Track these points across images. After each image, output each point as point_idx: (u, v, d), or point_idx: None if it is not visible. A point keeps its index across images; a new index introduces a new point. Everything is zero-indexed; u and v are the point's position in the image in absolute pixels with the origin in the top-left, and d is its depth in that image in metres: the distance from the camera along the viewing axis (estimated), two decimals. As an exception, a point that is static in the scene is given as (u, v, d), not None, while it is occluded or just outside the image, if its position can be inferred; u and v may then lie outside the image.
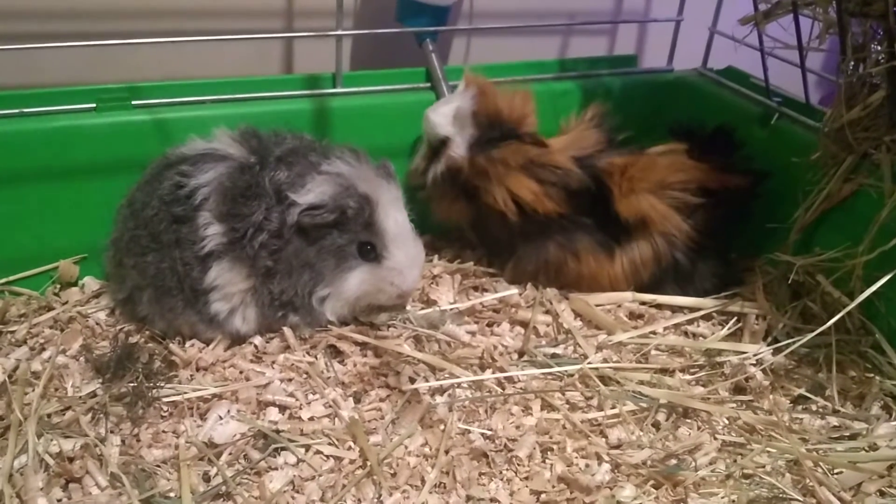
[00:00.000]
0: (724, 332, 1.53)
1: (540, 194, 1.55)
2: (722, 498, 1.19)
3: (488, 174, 1.57)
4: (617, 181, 1.55)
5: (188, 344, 1.44)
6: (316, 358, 1.43)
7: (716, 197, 1.55)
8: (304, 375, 1.39)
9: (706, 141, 1.61)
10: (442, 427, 1.30)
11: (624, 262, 1.58)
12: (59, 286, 1.59)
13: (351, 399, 1.35)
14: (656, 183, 1.55)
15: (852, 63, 1.47)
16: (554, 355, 1.47)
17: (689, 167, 1.56)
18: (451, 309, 1.56)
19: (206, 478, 1.20)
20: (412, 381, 1.37)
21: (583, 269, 1.59)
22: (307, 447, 1.25)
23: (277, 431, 1.27)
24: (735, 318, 1.55)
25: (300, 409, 1.32)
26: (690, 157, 1.58)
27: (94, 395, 1.33)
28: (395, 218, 1.43)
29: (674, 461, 1.25)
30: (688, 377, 1.44)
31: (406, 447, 1.27)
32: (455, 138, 1.59)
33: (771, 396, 1.39)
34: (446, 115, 1.60)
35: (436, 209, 1.68)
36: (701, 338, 1.54)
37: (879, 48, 1.44)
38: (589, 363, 1.43)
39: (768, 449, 1.27)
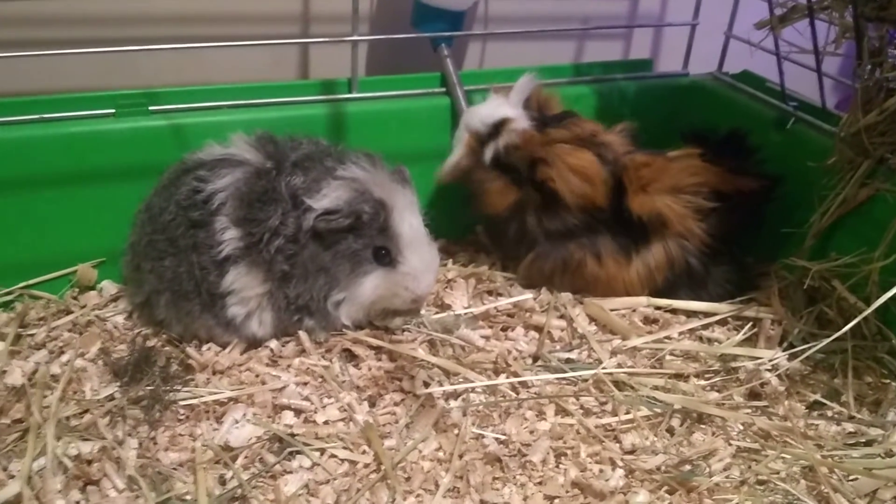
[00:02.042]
0: (740, 337, 1.52)
1: (600, 170, 1.55)
2: (736, 504, 1.19)
3: (552, 148, 1.56)
4: (632, 177, 1.55)
5: (205, 348, 1.45)
6: (331, 362, 1.44)
7: (729, 201, 1.55)
8: (320, 379, 1.40)
9: (719, 145, 1.61)
10: (456, 431, 1.30)
11: (639, 267, 1.58)
12: (77, 290, 1.61)
13: (366, 403, 1.36)
14: (671, 187, 1.55)
15: (868, 67, 1.47)
16: (568, 360, 1.47)
17: (703, 171, 1.56)
18: (466, 313, 1.56)
19: (222, 481, 1.21)
20: (426, 385, 1.38)
21: (601, 271, 1.59)
22: (322, 451, 1.26)
23: (293, 435, 1.28)
24: (750, 323, 1.55)
25: (315, 412, 1.33)
26: (703, 161, 1.57)
27: (111, 398, 1.34)
28: (410, 223, 1.43)
29: (688, 467, 1.25)
30: (702, 382, 1.44)
31: (420, 451, 1.27)
32: (515, 117, 1.58)
33: (786, 402, 1.38)
34: (497, 104, 1.61)
35: (486, 195, 1.63)
36: (716, 343, 1.53)
37: (896, 52, 1.43)
38: (603, 368, 1.43)
39: (783, 455, 1.27)
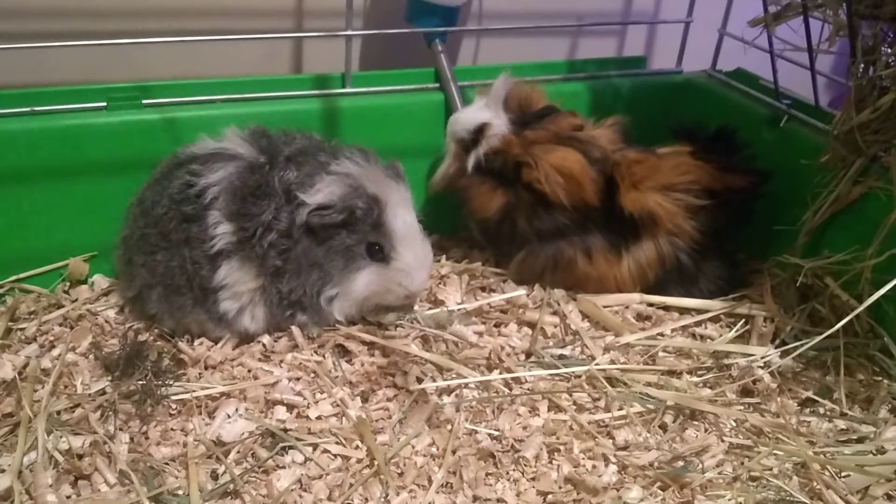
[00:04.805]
0: (732, 334, 1.53)
1: (585, 168, 1.54)
2: (729, 500, 1.19)
3: (533, 149, 1.55)
4: (623, 174, 1.55)
5: (197, 342, 1.45)
6: (324, 357, 1.43)
7: (719, 198, 1.55)
8: (312, 374, 1.40)
9: (709, 142, 1.61)
10: (449, 427, 1.30)
11: (630, 264, 1.58)
12: (68, 284, 1.60)
13: (358, 398, 1.36)
14: (663, 185, 1.55)
15: (862, 65, 1.47)
16: (561, 356, 1.47)
17: (694, 169, 1.56)
18: (459, 309, 1.56)
19: (214, 476, 1.21)
20: (419, 381, 1.38)
21: (592, 269, 1.59)
22: (315, 446, 1.26)
23: (285, 430, 1.27)
24: (743, 320, 1.55)
25: (308, 408, 1.33)
26: (694, 159, 1.58)
27: (103, 392, 1.33)
28: (403, 218, 1.43)
29: (681, 463, 1.25)
30: (695, 379, 1.44)
31: (413, 447, 1.27)
32: (493, 121, 1.58)
33: (778, 399, 1.39)
34: (478, 108, 1.60)
35: (473, 199, 1.63)
36: (708, 340, 1.54)
37: (890, 51, 1.44)
38: (596, 364, 1.43)
39: (775, 451, 1.27)
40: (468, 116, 1.60)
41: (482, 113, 1.59)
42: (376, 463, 1.22)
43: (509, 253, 1.67)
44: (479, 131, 1.58)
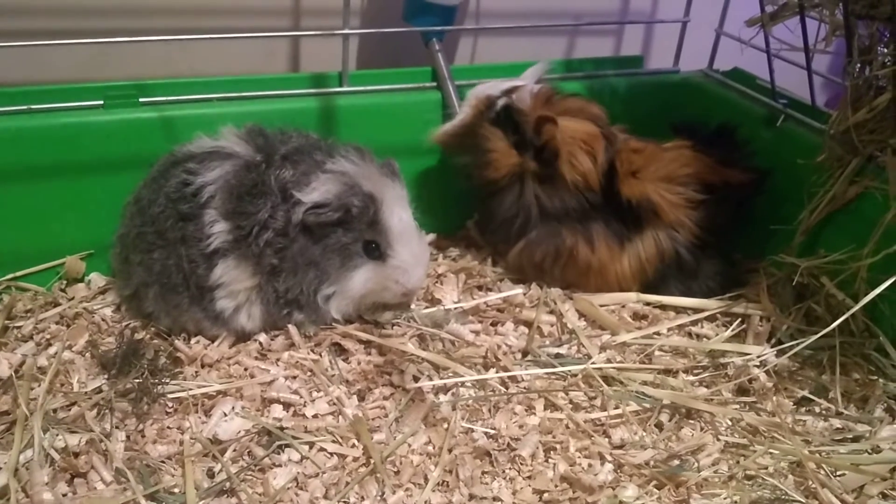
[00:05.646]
0: (728, 333, 1.53)
1: (601, 139, 1.56)
2: (724, 499, 1.19)
3: (557, 110, 1.58)
4: (623, 162, 1.56)
5: (193, 341, 1.45)
6: (320, 356, 1.43)
7: (719, 194, 1.56)
8: (309, 373, 1.40)
9: (709, 138, 1.62)
10: (445, 426, 1.30)
11: (631, 258, 1.59)
12: (65, 282, 1.60)
13: (355, 397, 1.36)
14: (663, 176, 1.56)
15: (858, 65, 1.47)
16: (558, 355, 1.47)
17: (693, 162, 1.57)
18: (456, 308, 1.56)
19: (211, 474, 1.21)
20: (416, 379, 1.38)
21: (594, 258, 1.59)
22: (311, 444, 1.26)
23: (281, 428, 1.27)
24: (739, 319, 1.55)
25: (304, 406, 1.33)
26: (694, 153, 1.58)
27: (99, 390, 1.33)
28: (399, 216, 1.43)
29: (676, 462, 1.25)
30: (691, 378, 1.44)
31: (409, 445, 1.27)
32: (527, 84, 1.62)
33: (774, 398, 1.39)
34: (510, 81, 1.65)
35: (489, 153, 1.61)
36: (705, 339, 1.54)
37: (886, 50, 1.44)
38: (592, 363, 1.43)
39: (771, 450, 1.27)
40: (498, 83, 1.64)
41: (517, 80, 1.64)
42: (372, 461, 1.22)
43: (507, 240, 1.66)
44: (509, 92, 1.62)
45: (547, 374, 1.42)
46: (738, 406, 1.38)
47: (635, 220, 1.57)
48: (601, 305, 1.59)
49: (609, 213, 1.58)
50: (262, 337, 1.45)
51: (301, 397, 1.34)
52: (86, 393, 1.32)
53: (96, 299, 1.57)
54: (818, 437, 1.31)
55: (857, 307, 1.37)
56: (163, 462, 1.22)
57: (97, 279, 1.61)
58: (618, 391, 1.38)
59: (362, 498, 1.18)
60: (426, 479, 1.21)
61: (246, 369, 1.40)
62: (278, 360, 1.42)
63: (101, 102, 1.56)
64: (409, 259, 1.44)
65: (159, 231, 1.40)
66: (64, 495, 1.16)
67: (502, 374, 1.41)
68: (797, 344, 1.40)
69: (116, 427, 1.26)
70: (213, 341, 1.45)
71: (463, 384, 1.39)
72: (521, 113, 1.59)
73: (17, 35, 1.66)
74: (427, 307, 1.57)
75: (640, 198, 1.54)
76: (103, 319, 1.51)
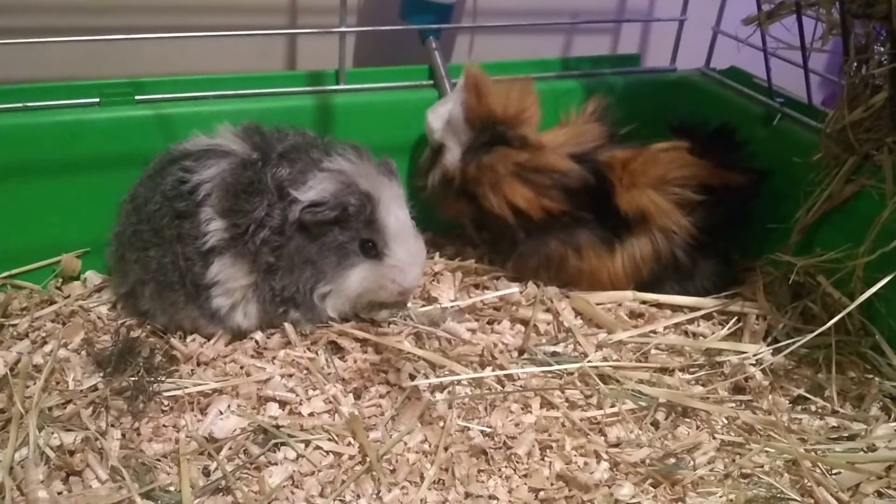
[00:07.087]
0: (724, 331, 1.53)
1: (534, 200, 1.56)
2: (720, 497, 1.19)
3: (482, 182, 1.58)
4: (619, 175, 1.55)
5: (189, 339, 1.45)
6: (316, 354, 1.43)
7: (716, 195, 1.55)
8: (305, 371, 1.40)
9: (707, 139, 1.61)
10: (441, 424, 1.30)
11: (624, 259, 1.58)
12: (61, 280, 1.60)
13: (351, 395, 1.36)
14: (657, 178, 1.55)
15: (855, 64, 1.47)
16: (554, 353, 1.47)
17: (691, 164, 1.56)
18: (452, 306, 1.56)
19: (206, 472, 1.21)
20: (412, 377, 1.38)
21: (584, 264, 1.59)
22: (307, 443, 1.26)
23: (277, 427, 1.27)
24: (735, 317, 1.56)
25: (300, 404, 1.32)
26: (692, 155, 1.58)
27: (95, 388, 1.33)
28: (396, 215, 1.43)
29: (672, 460, 1.25)
30: (687, 377, 1.44)
31: (405, 444, 1.27)
32: (449, 145, 1.61)
33: (770, 396, 1.39)
34: (441, 119, 1.61)
35: (439, 209, 1.68)
36: (701, 337, 1.54)
37: (882, 49, 1.44)
38: (589, 362, 1.43)
39: (767, 449, 1.27)
40: (433, 126, 1.63)
41: (440, 133, 1.62)
42: (368, 459, 1.22)
43: (502, 251, 1.68)
44: (438, 151, 1.62)
45: (543, 372, 1.42)
46: (734, 404, 1.38)
47: (625, 224, 1.56)
48: (598, 304, 1.59)
49: (596, 220, 1.58)
50: (259, 335, 1.45)
51: (297, 395, 1.34)
52: (81, 391, 1.32)
53: (92, 297, 1.57)
54: (814, 436, 1.31)
55: (853, 306, 1.38)
56: (158, 460, 1.22)
57: (93, 277, 1.61)
58: (614, 389, 1.38)
59: (358, 496, 1.18)
60: (422, 478, 1.21)
61: (242, 367, 1.40)
62: (274, 358, 1.42)
63: (97, 100, 1.56)
64: (406, 258, 1.44)
65: (155, 229, 1.39)
66: (59, 493, 1.16)
67: (498, 372, 1.41)
68: (793, 342, 1.40)
69: (112, 425, 1.26)
70: (209, 339, 1.45)
71: (459, 382, 1.39)
72: (453, 180, 1.61)
73: (13, 32, 1.65)
74: (423, 305, 1.57)
75: (637, 211, 1.54)
76: (99, 317, 1.51)
